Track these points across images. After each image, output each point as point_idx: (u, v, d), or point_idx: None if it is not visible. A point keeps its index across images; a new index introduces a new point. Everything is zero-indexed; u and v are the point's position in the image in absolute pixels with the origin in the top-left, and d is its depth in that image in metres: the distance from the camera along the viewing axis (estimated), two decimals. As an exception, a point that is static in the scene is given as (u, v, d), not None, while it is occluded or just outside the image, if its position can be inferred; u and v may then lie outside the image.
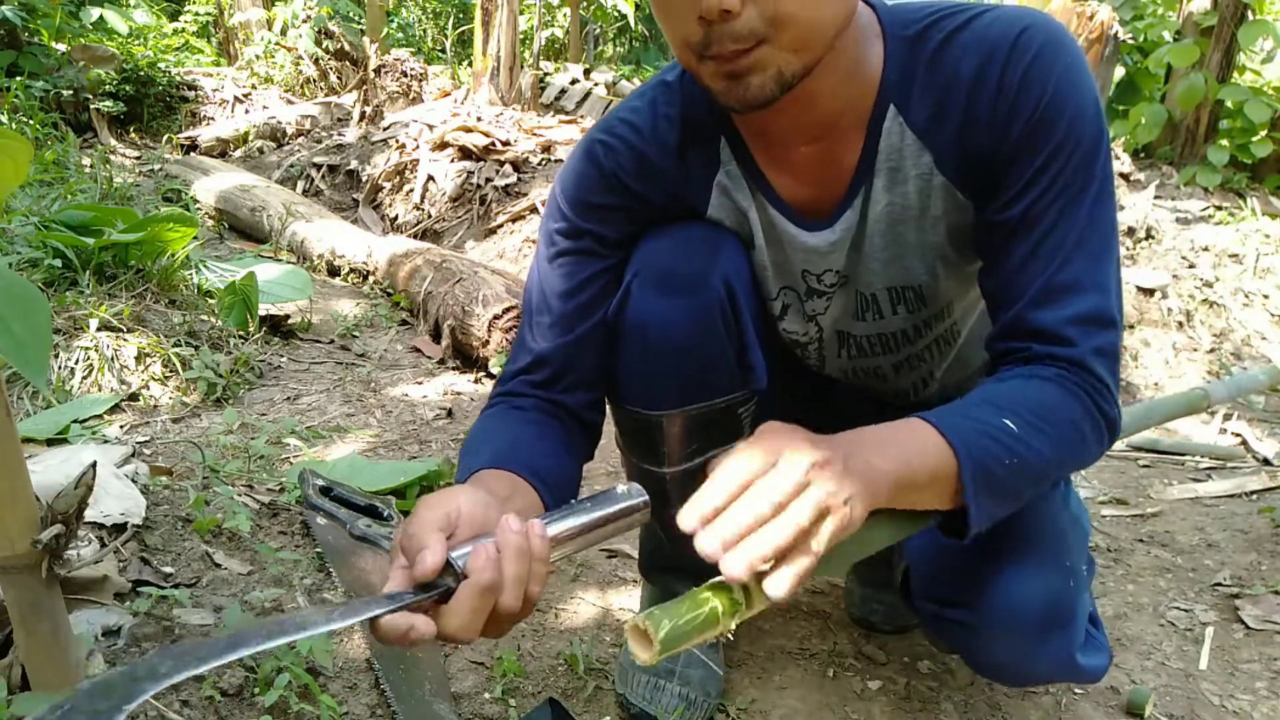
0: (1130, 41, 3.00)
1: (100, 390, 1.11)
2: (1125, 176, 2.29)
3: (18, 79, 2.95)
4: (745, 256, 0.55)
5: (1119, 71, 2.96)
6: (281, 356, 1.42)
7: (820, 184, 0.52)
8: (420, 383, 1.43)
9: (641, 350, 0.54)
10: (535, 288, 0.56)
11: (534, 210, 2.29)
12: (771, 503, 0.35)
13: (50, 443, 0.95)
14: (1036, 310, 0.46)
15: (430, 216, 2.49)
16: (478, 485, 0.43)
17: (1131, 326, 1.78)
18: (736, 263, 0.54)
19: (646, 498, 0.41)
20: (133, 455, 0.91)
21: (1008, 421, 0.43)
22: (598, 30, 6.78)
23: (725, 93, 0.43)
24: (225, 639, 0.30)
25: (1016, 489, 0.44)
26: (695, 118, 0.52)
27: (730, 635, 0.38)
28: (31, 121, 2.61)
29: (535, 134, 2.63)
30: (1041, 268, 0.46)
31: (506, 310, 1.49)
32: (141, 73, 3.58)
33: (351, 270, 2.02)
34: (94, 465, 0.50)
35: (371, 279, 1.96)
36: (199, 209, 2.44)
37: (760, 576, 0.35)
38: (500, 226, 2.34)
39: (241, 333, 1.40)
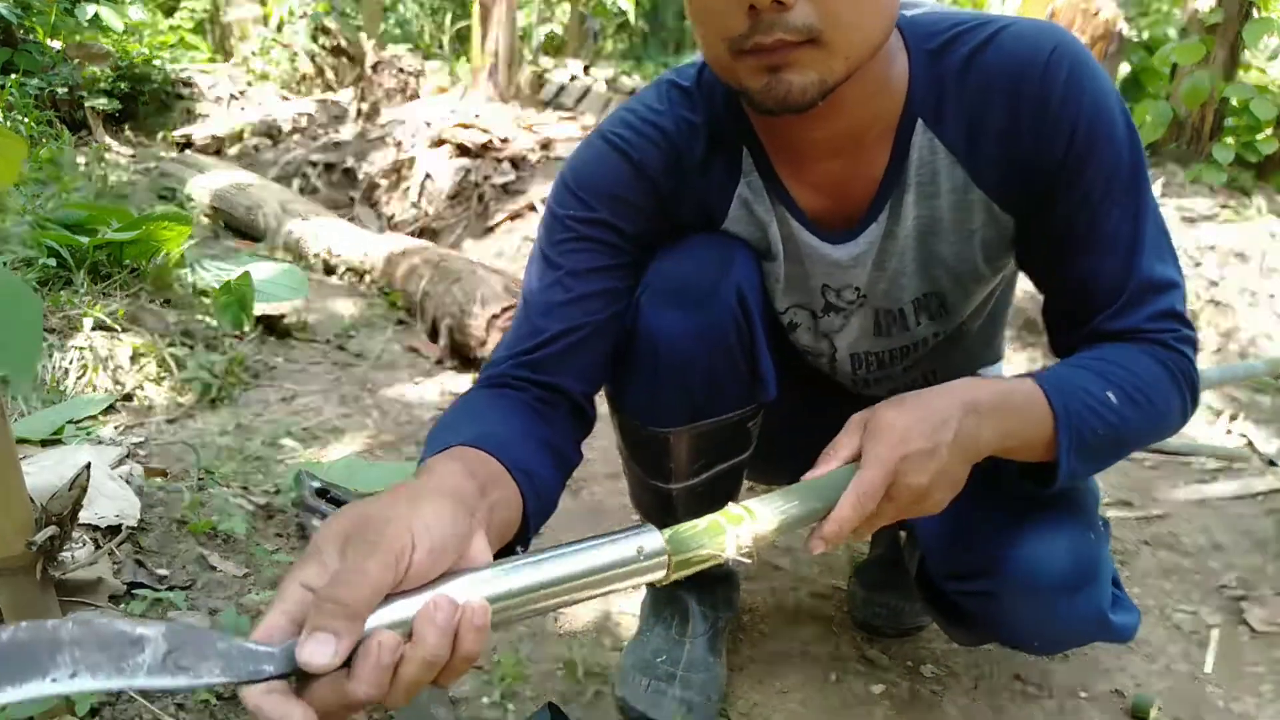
0: (1135, 39, 2.99)
1: (94, 391, 1.10)
2: (1128, 174, 2.27)
3: (12, 76, 2.93)
4: (758, 265, 0.54)
5: (1124, 69, 2.95)
6: (277, 356, 1.41)
7: (843, 196, 0.51)
8: (418, 383, 1.42)
9: (652, 366, 0.53)
10: (537, 275, 0.52)
11: (533, 208, 2.27)
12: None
13: (44, 444, 0.94)
14: (1120, 318, 0.48)
15: (428, 214, 2.47)
16: (450, 468, 0.36)
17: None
18: (748, 271, 0.53)
19: (665, 559, 0.34)
20: (127, 456, 0.90)
21: (1110, 395, 0.46)
22: (597, 26, 6.75)
23: (764, 90, 0.42)
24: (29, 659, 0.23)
25: (1106, 454, 0.48)
26: (718, 126, 0.51)
27: (746, 559, 0.36)
28: (26, 119, 2.59)
29: (534, 131, 2.61)
30: (1115, 277, 0.48)
31: (505, 309, 1.47)
32: (137, 70, 3.56)
33: (348, 269, 2.01)
34: (88, 466, 0.50)
35: (368, 278, 1.95)
36: (194, 207, 2.42)
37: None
38: (499, 225, 2.33)
39: (237, 332, 1.39)
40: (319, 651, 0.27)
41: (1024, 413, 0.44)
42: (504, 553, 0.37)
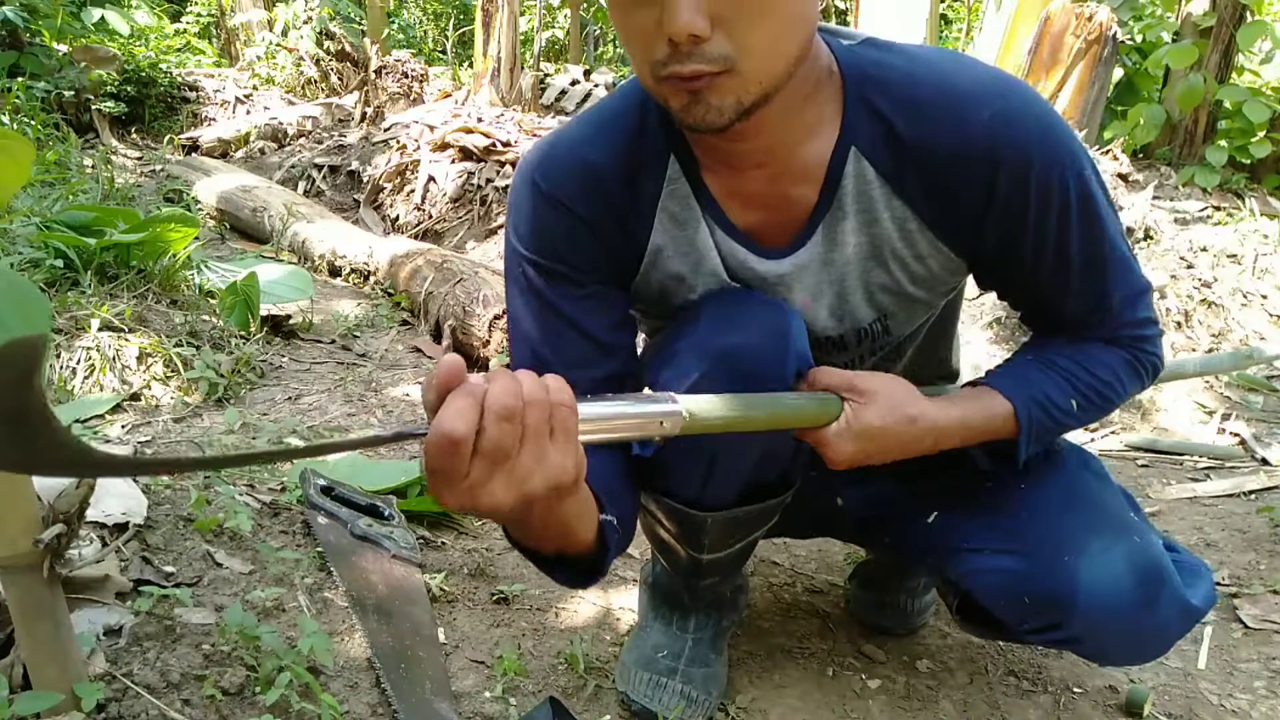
0: (1129, 42, 3.00)
1: (102, 390, 1.12)
2: (1124, 177, 2.30)
3: (19, 80, 2.96)
4: (804, 326, 0.53)
5: (1117, 73, 2.96)
6: (283, 356, 1.42)
7: (772, 213, 0.51)
8: (421, 383, 1.43)
9: (709, 453, 0.53)
10: (530, 339, 0.53)
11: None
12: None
13: (52, 442, 0.95)
14: (1095, 329, 0.53)
15: (431, 217, 2.49)
16: None
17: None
18: (802, 333, 0.52)
19: (681, 411, 0.40)
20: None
21: (1073, 403, 0.52)
22: (598, 31, 6.79)
23: (684, 111, 0.43)
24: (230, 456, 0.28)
25: (1051, 439, 0.54)
26: (647, 138, 0.51)
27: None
28: (33, 122, 2.61)
29: (536, 135, 2.63)
30: (1087, 302, 0.52)
31: (506, 310, 1.48)
32: (143, 74, 3.59)
33: (353, 271, 2.03)
34: (96, 464, 0.50)
35: (373, 279, 1.97)
36: (200, 210, 2.44)
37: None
38: (501, 227, 2.34)
39: (243, 333, 1.40)
40: (443, 400, 0.30)
41: (989, 430, 0.52)
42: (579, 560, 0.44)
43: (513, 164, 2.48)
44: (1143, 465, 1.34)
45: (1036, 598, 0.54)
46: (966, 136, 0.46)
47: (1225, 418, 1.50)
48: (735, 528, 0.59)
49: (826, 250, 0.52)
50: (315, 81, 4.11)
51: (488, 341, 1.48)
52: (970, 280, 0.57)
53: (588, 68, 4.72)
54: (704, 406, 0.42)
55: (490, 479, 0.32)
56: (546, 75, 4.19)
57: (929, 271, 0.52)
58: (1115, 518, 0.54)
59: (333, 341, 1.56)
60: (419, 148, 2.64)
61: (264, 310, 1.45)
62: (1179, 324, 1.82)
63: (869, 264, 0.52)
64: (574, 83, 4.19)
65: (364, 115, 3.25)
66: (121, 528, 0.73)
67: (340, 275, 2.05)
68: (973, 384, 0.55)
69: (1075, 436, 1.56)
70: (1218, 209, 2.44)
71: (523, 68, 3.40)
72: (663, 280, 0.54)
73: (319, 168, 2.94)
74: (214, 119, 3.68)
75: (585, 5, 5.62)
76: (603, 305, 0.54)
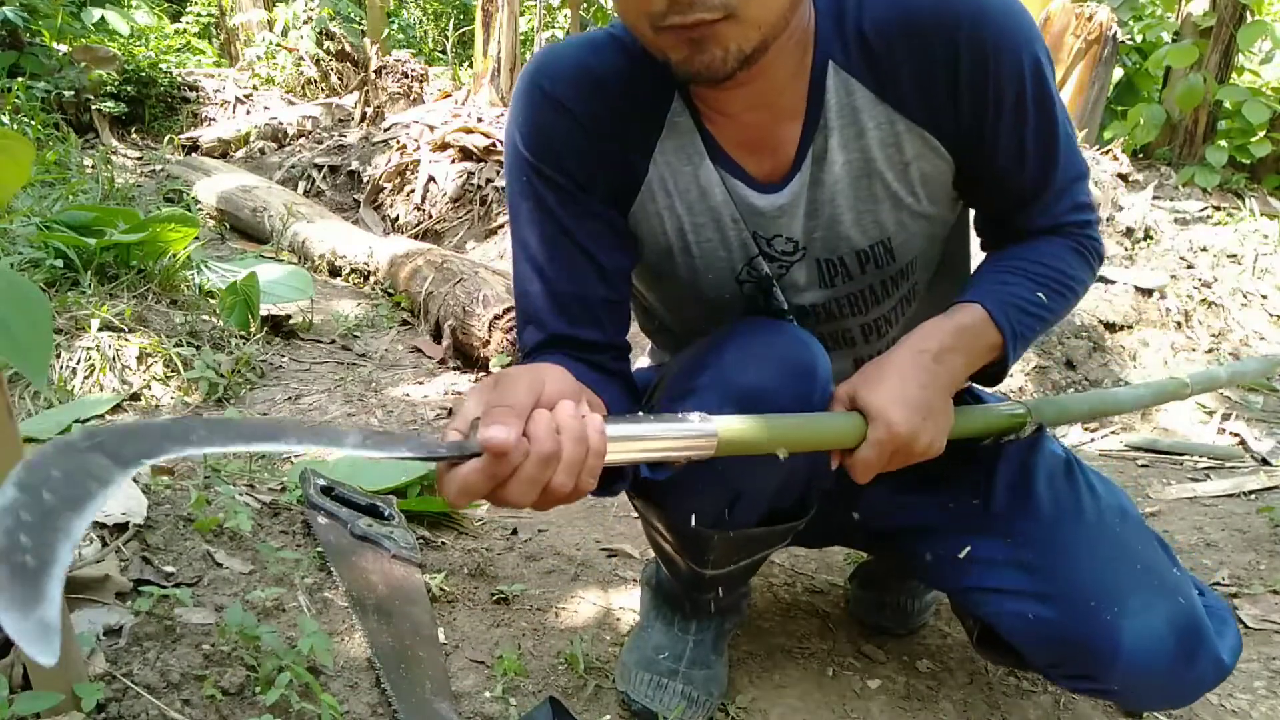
0: (1129, 42, 3.00)
1: (102, 390, 1.12)
2: (1124, 177, 2.30)
3: (19, 80, 2.96)
4: (828, 357, 0.52)
5: (1118, 72, 2.97)
6: (283, 356, 1.42)
7: (770, 149, 0.51)
8: (421, 382, 1.44)
9: (731, 493, 0.53)
10: (535, 234, 0.52)
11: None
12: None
13: (52, 442, 0.95)
14: (1039, 215, 0.55)
15: (431, 217, 2.49)
16: (546, 364, 0.42)
17: (1130, 327, 1.78)
18: (827, 368, 0.51)
19: (716, 433, 0.41)
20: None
21: (1041, 295, 0.54)
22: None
23: (686, 61, 0.43)
24: (265, 426, 0.30)
25: (1035, 337, 0.56)
26: (651, 68, 0.49)
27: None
28: (33, 122, 2.61)
29: (535, 135, 2.62)
30: (1034, 179, 0.53)
31: (507, 310, 1.49)
32: (143, 74, 3.59)
33: (353, 271, 2.03)
34: (96, 464, 0.50)
35: (372, 279, 1.97)
36: (200, 210, 2.44)
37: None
38: (501, 227, 2.34)
39: (243, 333, 1.40)
40: (498, 430, 0.35)
41: (979, 340, 0.52)
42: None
43: (513, 164, 2.47)
44: (1143, 465, 1.34)
45: (1072, 648, 0.53)
46: (917, 15, 0.47)
47: (1225, 418, 1.50)
48: (742, 546, 0.58)
49: (816, 171, 0.51)
50: (315, 81, 4.11)
51: (488, 341, 1.48)
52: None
53: (588, 68, 4.69)
54: (735, 428, 0.42)
55: (532, 489, 0.37)
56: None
57: (922, 175, 0.52)
58: (1158, 574, 0.53)
59: (333, 341, 1.56)
60: (419, 148, 2.64)
61: (264, 310, 1.45)
62: (1179, 324, 1.82)
63: (862, 181, 0.52)
64: (574, 83, 4.17)
65: (364, 115, 3.25)
66: (121, 528, 0.73)
67: (340, 275, 2.05)
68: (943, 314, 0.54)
69: (1075, 436, 1.56)
70: (1218, 209, 2.44)
71: (523, 67, 3.39)
72: (662, 216, 0.53)
73: (319, 168, 2.94)
74: (214, 119, 3.68)
75: (585, 5, 5.62)
76: (602, 225, 0.53)
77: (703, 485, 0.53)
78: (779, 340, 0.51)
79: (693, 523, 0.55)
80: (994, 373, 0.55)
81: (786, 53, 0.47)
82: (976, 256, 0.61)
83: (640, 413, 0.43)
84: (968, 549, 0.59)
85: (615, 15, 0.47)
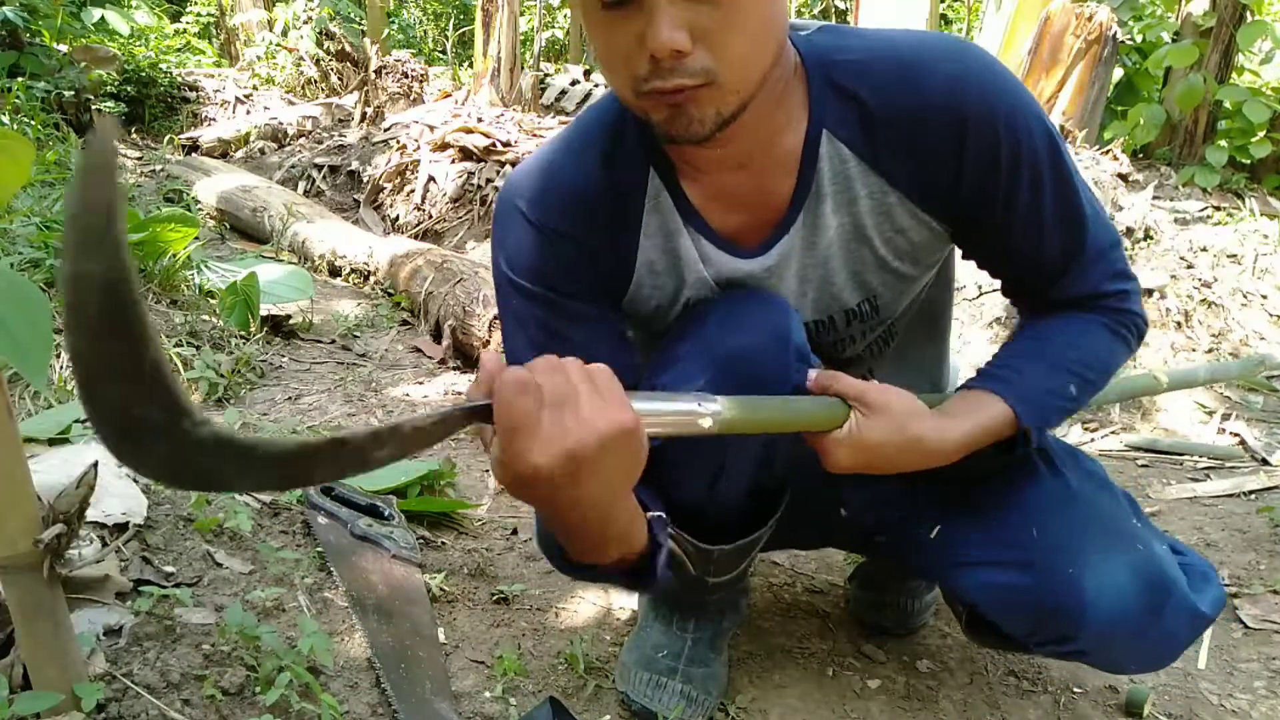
0: (1129, 42, 3.01)
1: (102, 390, 1.11)
2: (1124, 177, 2.29)
3: (19, 80, 2.96)
4: (801, 322, 0.53)
5: (1118, 72, 2.97)
6: (283, 356, 1.42)
7: (752, 212, 0.52)
8: (421, 383, 1.44)
9: (717, 466, 0.53)
10: (523, 337, 0.53)
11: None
12: None
13: (52, 443, 0.95)
14: (1071, 287, 0.54)
15: (431, 217, 2.49)
16: None
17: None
18: (800, 329, 0.52)
19: (719, 411, 0.41)
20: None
21: (1072, 389, 0.53)
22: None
23: (667, 122, 0.44)
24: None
25: (1059, 423, 0.55)
26: (625, 152, 0.52)
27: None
28: (33, 122, 2.61)
29: (536, 135, 2.63)
30: (1060, 253, 0.52)
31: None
32: (143, 73, 3.59)
33: (353, 271, 2.03)
34: (95, 465, 0.50)
35: (373, 279, 1.97)
36: (200, 209, 2.44)
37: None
38: (500, 227, 2.33)
39: (243, 333, 1.40)
40: (507, 374, 0.34)
41: (990, 437, 0.52)
42: None
43: (513, 164, 2.48)
44: (1143, 465, 1.34)
45: (1043, 612, 0.54)
46: (926, 96, 0.47)
47: (1225, 418, 1.50)
48: (742, 555, 0.59)
49: (809, 235, 0.52)
50: (315, 81, 4.11)
51: (487, 341, 1.48)
52: (969, 282, 0.58)
53: (588, 68, 4.72)
54: (733, 407, 0.42)
55: (562, 424, 0.35)
56: (546, 75, 4.19)
57: (911, 244, 0.53)
58: (1116, 526, 0.54)
59: (333, 341, 1.56)
60: (419, 148, 2.64)
61: (264, 310, 1.45)
62: (1179, 324, 1.82)
63: (852, 245, 0.52)
64: (574, 83, 4.19)
65: (364, 115, 3.25)
66: (121, 528, 0.73)
67: (340, 275, 2.05)
68: (967, 386, 0.55)
69: (1075, 436, 1.56)
70: (1218, 209, 2.44)
71: (523, 68, 3.40)
72: (654, 294, 0.55)
73: (319, 168, 2.95)
74: (214, 119, 3.69)
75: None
76: (603, 330, 0.54)
77: (685, 467, 0.53)
78: (757, 306, 0.52)
79: (690, 540, 0.56)
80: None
81: (767, 109, 0.47)
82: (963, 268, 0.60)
83: (648, 391, 0.43)
84: (938, 528, 0.59)
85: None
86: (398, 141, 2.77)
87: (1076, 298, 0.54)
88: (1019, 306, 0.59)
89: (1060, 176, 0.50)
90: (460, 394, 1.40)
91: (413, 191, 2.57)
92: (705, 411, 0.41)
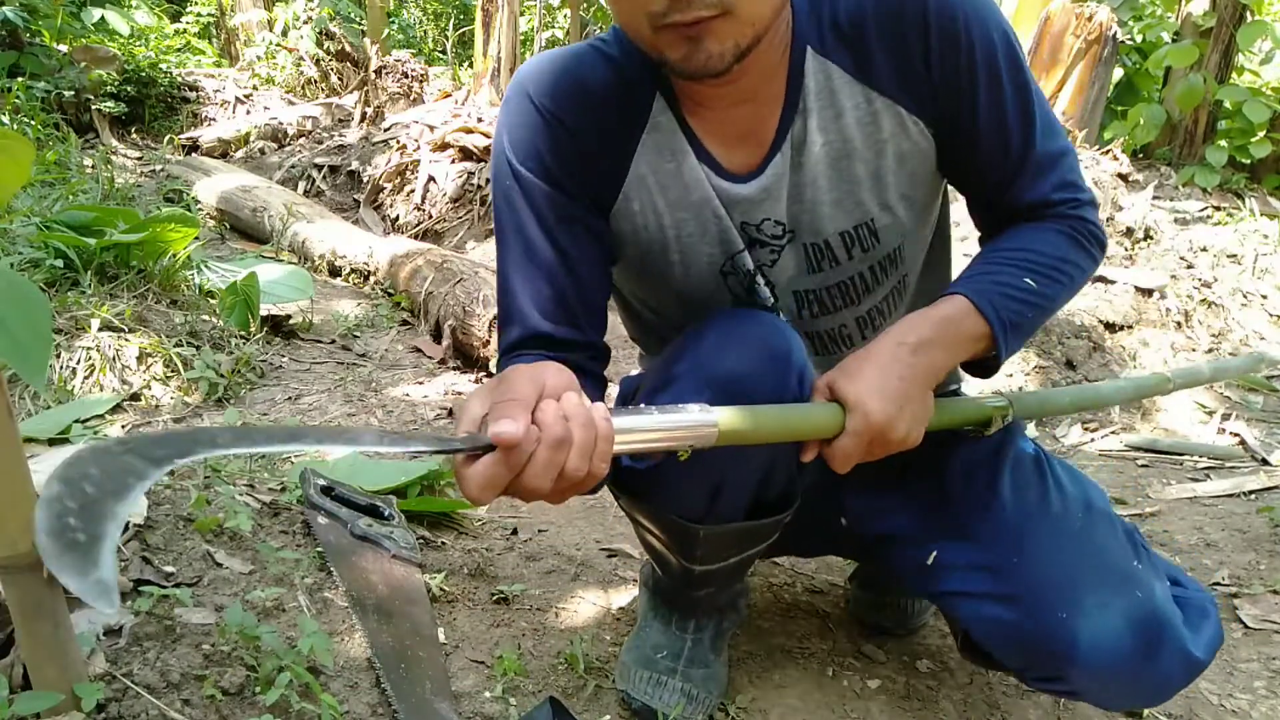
0: (1129, 42, 3.01)
1: (102, 390, 1.12)
2: (1124, 177, 2.30)
3: (19, 80, 2.96)
4: (803, 343, 0.53)
5: (1118, 73, 2.97)
6: (283, 356, 1.42)
7: (751, 138, 0.53)
8: (421, 383, 1.44)
9: (716, 482, 0.53)
10: (520, 250, 0.53)
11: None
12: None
13: (52, 443, 0.95)
14: (1025, 192, 0.55)
15: (431, 217, 2.49)
16: (538, 363, 0.43)
17: (1130, 327, 1.79)
18: (802, 352, 0.52)
19: (717, 423, 0.42)
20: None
21: (1029, 281, 0.52)
22: (597, 30, 6.79)
23: (685, 59, 0.45)
24: (286, 430, 0.32)
25: (1034, 326, 0.55)
26: (635, 77, 0.52)
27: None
28: (33, 122, 2.61)
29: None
30: (1017, 157, 0.54)
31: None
32: (143, 74, 3.59)
33: (353, 271, 2.03)
34: (96, 464, 0.50)
35: (373, 279, 1.97)
36: (200, 209, 2.44)
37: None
38: (500, 227, 2.33)
39: (243, 333, 1.40)
40: (507, 425, 0.36)
41: (963, 331, 0.51)
42: None
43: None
44: (1143, 465, 1.34)
45: (1034, 650, 0.54)
46: (916, 14, 0.49)
47: (1225, 418, 1.50)
48: (730, 542, 0.58)
49: (796, 155, 0.53)
50: (315, 81, 4.11)
51: (488, 341, 1.48)
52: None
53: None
54: (730, 419, 0.43)
55: (531, 487, 0.38)
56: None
57: (898, 152, 0.53)
58: (1115, 567, 0.53)
59: (333, 341, 1.56)
60: (419, 148, 2.64)
61: (264, 310, 1.45)
62: (1179, 324, 1.83)
63: (840, 163, 0.53)
64: (574, 83, 4.17)
65: (364, 115, 3.25)
66: (121, 528, 0.73)
67: (340, 275, 2.05)
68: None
69: (1075, 437, 1.56)
70: (1218, 209, 2.44)
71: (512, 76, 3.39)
72: (641, 213, 0.54)
73: (319, 168, 2.95)
74: (214, 119, 3.68)
75: (585, 5, 5.62)
76: (582, 229, 0.54)
77: (685, 478, 0.53)
78: (755, 327, 0.52)
79: (677, 517, 0.55)
80: (989, 364, 0.54)
81: (773, 46, 0.49)
82: (960, 265, 0.60)
83: (641, 405, 0.43)
84: (934, 554, 0.58)
85: (594, 31, 0.50)
86: (398, 141, 2.77)
87: (1031, 204, 0.54)
88: (980, 227, 0.59)
89: (1017, 74, 0.51)
90: (461, 394, 1.40)
91: (413, 191, 2.57)
92: (703, 423, 0.41)
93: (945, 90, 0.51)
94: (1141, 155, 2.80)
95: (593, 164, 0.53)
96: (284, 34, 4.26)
